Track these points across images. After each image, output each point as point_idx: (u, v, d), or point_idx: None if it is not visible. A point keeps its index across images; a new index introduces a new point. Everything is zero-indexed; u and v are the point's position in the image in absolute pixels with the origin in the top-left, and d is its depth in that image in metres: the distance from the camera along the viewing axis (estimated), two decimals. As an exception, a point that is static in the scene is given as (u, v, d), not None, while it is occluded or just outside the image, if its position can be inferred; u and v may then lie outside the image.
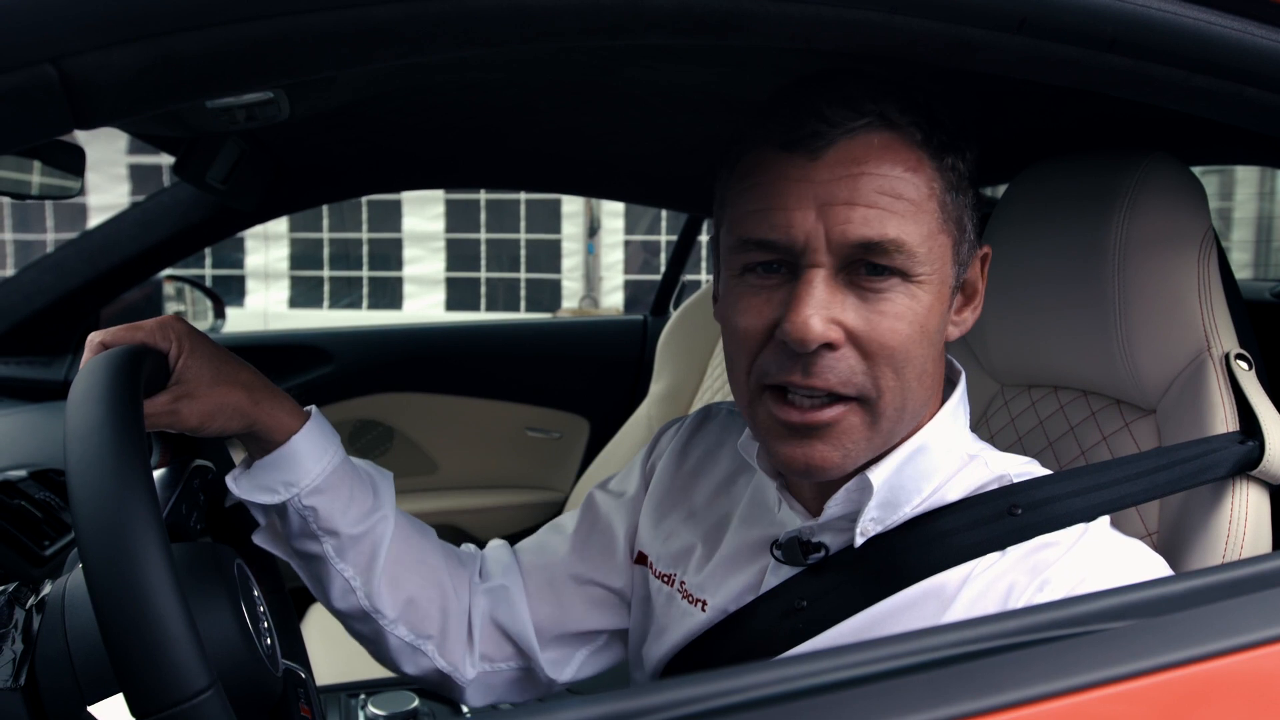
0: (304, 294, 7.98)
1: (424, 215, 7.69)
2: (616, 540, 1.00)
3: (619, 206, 7.51)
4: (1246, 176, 6.45)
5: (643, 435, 2.18)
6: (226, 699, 0.56)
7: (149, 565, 0.56)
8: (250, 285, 7.91)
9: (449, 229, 7.76)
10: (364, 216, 7.79)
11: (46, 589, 0.74)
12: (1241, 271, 6.44)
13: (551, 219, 7.74)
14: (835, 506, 0.78)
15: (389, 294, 7.93)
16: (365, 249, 7.90)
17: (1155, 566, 0.74)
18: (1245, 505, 0.81)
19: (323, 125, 1.46)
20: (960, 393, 0.82)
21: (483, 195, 7.64)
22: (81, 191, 1.38)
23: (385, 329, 2.66)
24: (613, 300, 7.80)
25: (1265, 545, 0.82)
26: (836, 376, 0.72)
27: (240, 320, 7.03)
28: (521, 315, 7.67)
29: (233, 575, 0.74)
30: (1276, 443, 0.81)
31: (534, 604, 0.99)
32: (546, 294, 7.88)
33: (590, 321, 4.18)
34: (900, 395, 0.74)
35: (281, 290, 7.95)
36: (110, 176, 7.52)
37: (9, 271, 7.29)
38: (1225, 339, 0.88)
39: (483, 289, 7.91)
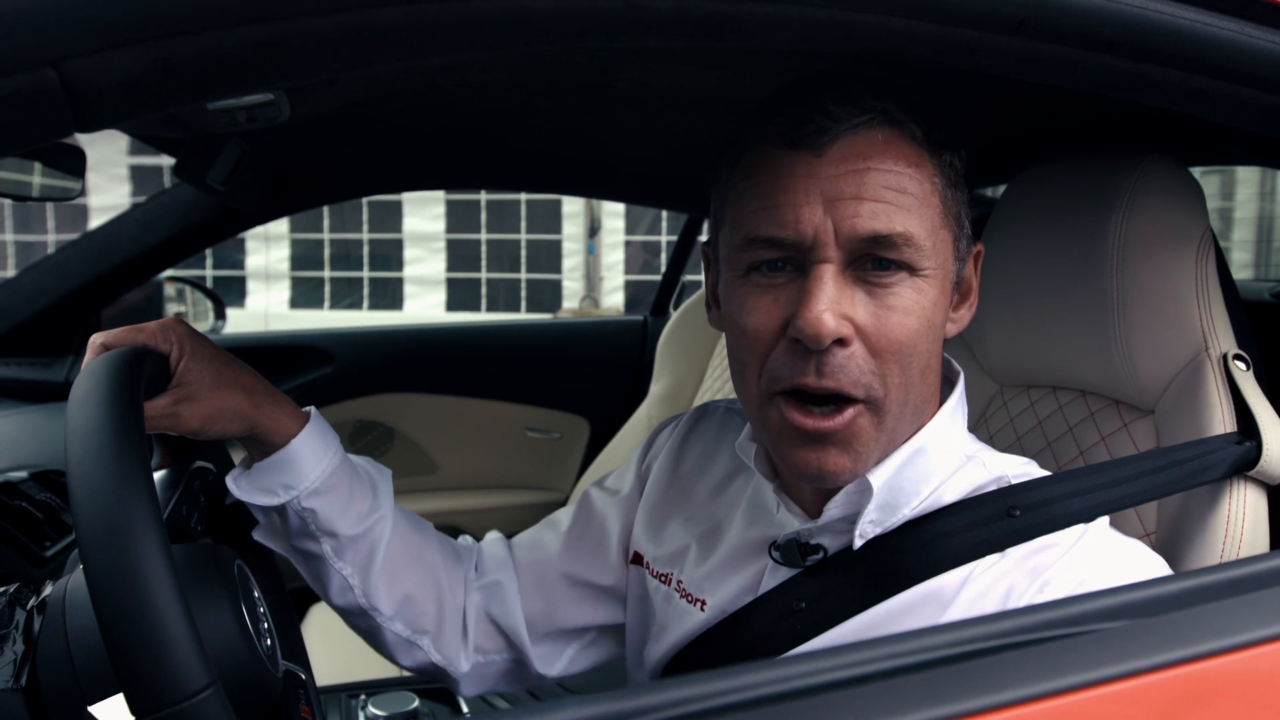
0: (305, 295, 7.99)
1: (425, 216, 7.70)
2: (610, 538, 1.01)
3: (619, 207, 7.51)
4: (1247, 177, 6.45)
5: (642, 436, 2.18)
6: (226, 698, 0.56)
7: (149, 565, 0.56)
8: (251, 286, 7.92)
9: (449, 229, 7.77)
10: (364, 217, 7.79)
11: (47, 590, 0.74)
12: (1242, 272, 6.44)
13: (552, 219, 7.75)
14: (835, 509, 0.78)
15: (390, 294, 7.93)
16: (366, 249, 7.91)
17: (1155, 567, 0.74)
18: (1243, 505, 0.82)
19: (323, 126, 1.46)
20: (959, 393, 0.82)
21: (483, 196, 7.64)
22: (82, 193, 1.39)
23: (386, 329, 2.66)
24: (613, 301, 7.80)
25: (1263, 545, 0.82)
26: (848, 377, 0.72)
27: (241, 321, 7.04)
28: (522, 316, 7.68)
29: (233, 576, 0.74)
30: (1274, 443, 0.82)
31: (526, 600, 1.00)
32: (547, 294, 7.88)
33: (591, 322, 4.19)
34: (905, 391, 0.74)
35: (282, 291, 7.96)
36: (111, 177, 7.52)
37: (10, 272, 7.30)
38: (1223, 339, 0.88)
39: (483, 289, 7.91)
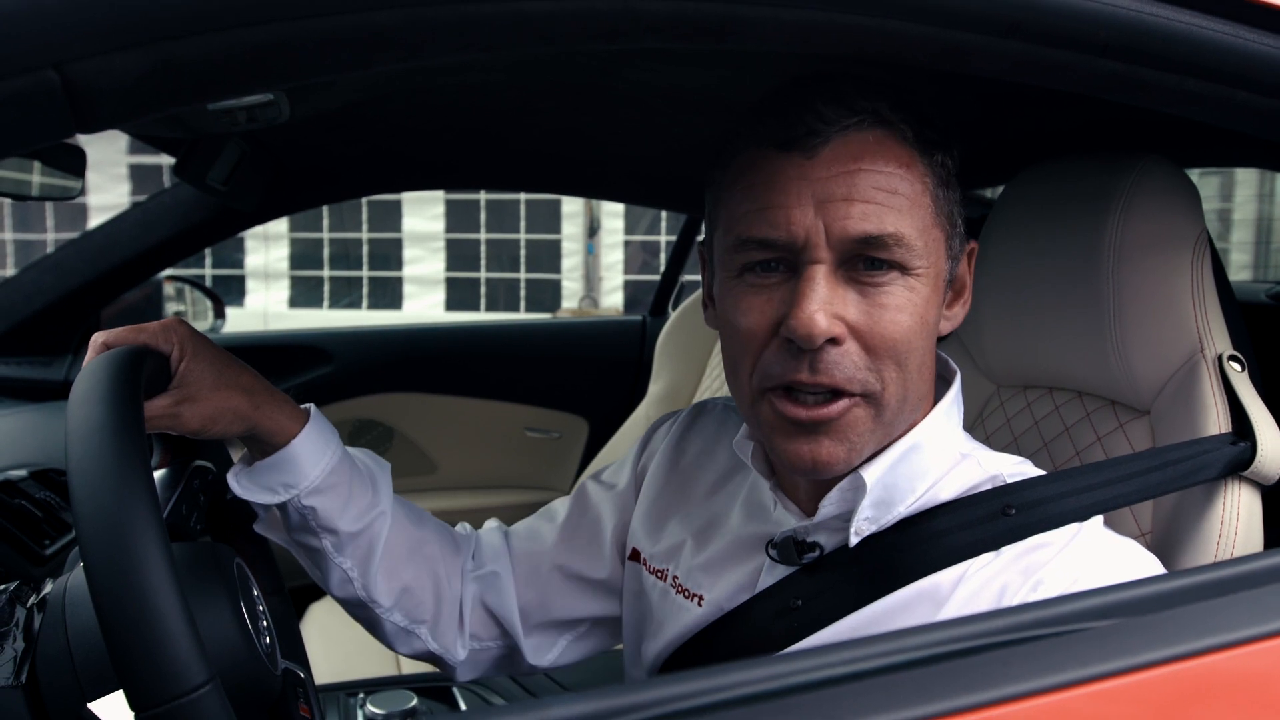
0: (304, 294, 7.99)
1: (424, 215, 7.70)
2: (604, 532, 1.01)
3: (618, 207, 7.51)
4: (1246, 178, 6.46)
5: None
6: (225, 695, 0.57)
7: (149, 563, 0.56)
8: (250, 285, 7.92)
9: (449, 229, 7.77)
10: (364, 216, 7.79)
11: (47, 588, 0.75)
12: (1241, 273, 6.44)
13: (551, 219, 7.75)
14: (829, 506, 0.79)
15: (389, 294, 7.93)
16: (365, 249, 7.91)
17: (1149, 566, 0.74)
18: (1237, 506, 0.82)
19: (323, 126, 1.47)
20: (955, 392, 0.83)
21: (482, 195, 7.64)
22: (82, 192, 1.39)
23: (385, 329, 2.66)
24: (612, 300, 7.80)
25: (1256, 545, 0.82)
26: (842, 373, 0.72)
27: (240, 320, 7.04)
28: (521, 315, 7.68)
29: (232, 574, 0.74)
30: (1268, 444, 0.82)
31: (520, 590, 1.01)
32: (546, 294, 7.88)
33: (590, 322, 4.19)
34: (902, 387, 0.75)
35: (281, 290, 7.96)
36: (111, 176, 7.52)
37: (9, 271, 7.29)
38: (1219, 340, 0.89)
39: (482, 289, 7.91)
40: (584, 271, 7.81)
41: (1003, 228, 1.08)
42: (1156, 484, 0.82)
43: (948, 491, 0.79)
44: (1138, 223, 0.91)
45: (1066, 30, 0.63)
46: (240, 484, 0.88)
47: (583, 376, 2.58)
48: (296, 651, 0.90)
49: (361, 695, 1.27)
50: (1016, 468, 0.81)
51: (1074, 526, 0.76)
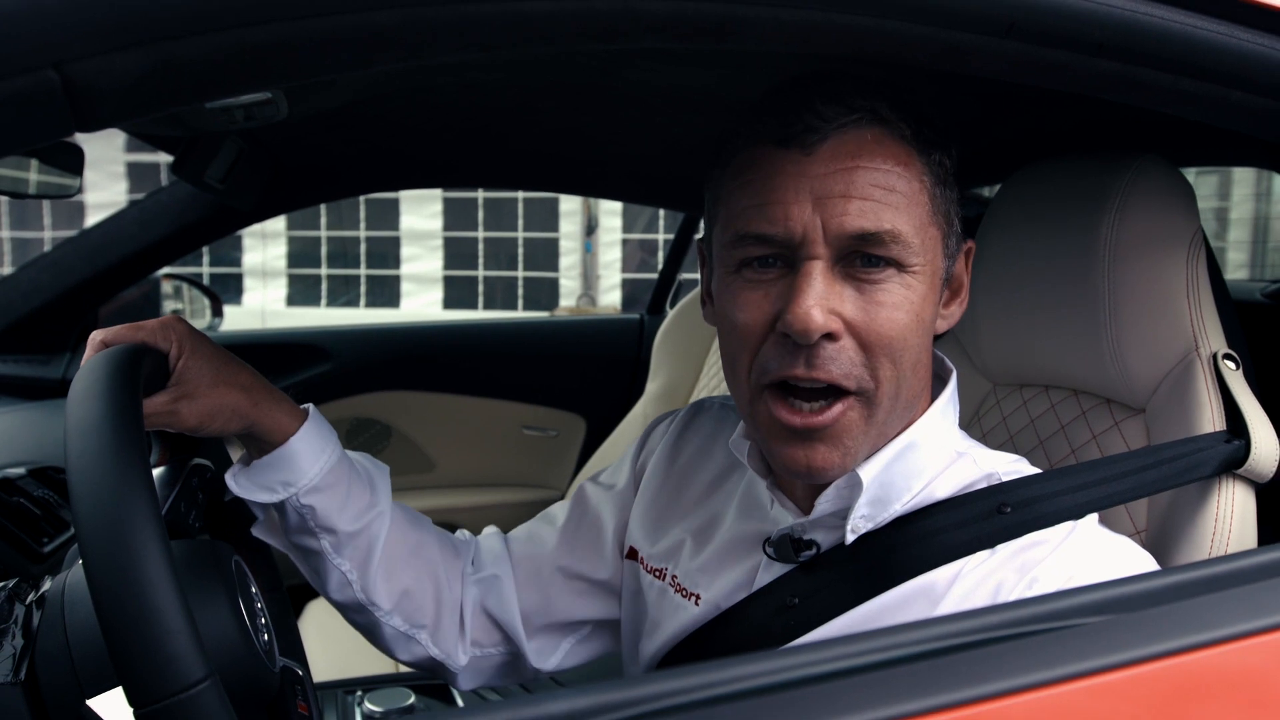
0: (302, 292, 7.98)
1: (422, 213, 7.69)
2: (605, 533, 1.01)
3: (616, 205, 7.52)
4: (1243, 177, 6.47)
5: (639, 434, 2.19)
6: (224, 691, 0.57)
7: (148, 559, 0.56)
8: (248, 283, 7.91)
9: (447, 227, 7.77)
10: (362, 215, 7.79)
11: (46, 585, 0.75)
12: (1238, 272, 6.45)
13: (549, 217, 7.75)
14: (825, 503, 0.79)
15: (387, 292, 7.93)
16: (363, 247, 7.91)
17: (1143, 563, 0.75)
18: (1231, 503, 0.82)
19: (322, 125, 1.47)
20: (950, 390, 0.83)
21: (480, 194, 7.64)
22: (79, 190, 1.39)
23: (383, 327, 2.66)
24: (610, 299, 7.81)
25: (1250, 542, 0.83)
26: (838, 369, 0.73)
27: (238, 318, 7.04)
28: (519, 314, 7.68)
29: (230, 572, 0.75)
30: (1262, 442, 0.82)
31: (522, 593, 1.01)
32: (544, 292, 7.88)
33: (587, 320, 4.19)
34: (896, 385, 0.75)
35: (279, 288, 7.95)
36: (108, 174, 7.52)
37: (7, 269, 7.29)
38: (1213, 339, 0.89)
39: (480, 287, 7.91)
40: (582, 270, 7.81)
41: (999, 227, 1.08)
42: (1151, 482, 0.82)
43: (943, 489, 0.79)
44: (1133, 222, 0.91)
45: (1063, 30, 0.64)
46: (238, 484, 0.88)
47: (580, 375, 2.58)
48: (295, 649, 0.90)
49: (359, 693, 1.27)
50: (1012, 466, 0.82)
51: (1069, 524, 0.77)
